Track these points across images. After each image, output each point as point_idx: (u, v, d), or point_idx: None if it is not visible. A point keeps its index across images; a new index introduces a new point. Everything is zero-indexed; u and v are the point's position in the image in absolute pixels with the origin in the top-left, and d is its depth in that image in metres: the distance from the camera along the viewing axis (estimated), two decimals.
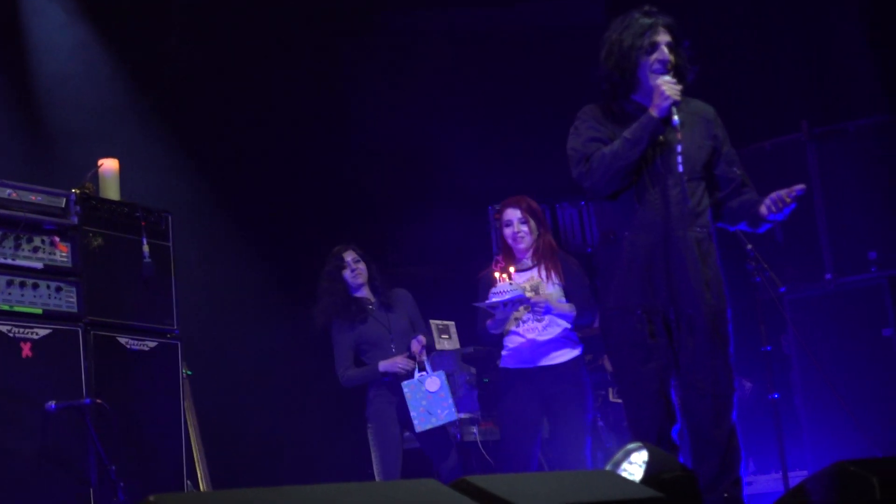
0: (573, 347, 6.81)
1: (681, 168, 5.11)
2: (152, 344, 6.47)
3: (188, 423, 6.94)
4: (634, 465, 4.51)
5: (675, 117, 5.08)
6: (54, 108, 8.35)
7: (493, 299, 6.56)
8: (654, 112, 5.11)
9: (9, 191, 5.92)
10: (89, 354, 6.08)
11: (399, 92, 10.29)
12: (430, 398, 7.22)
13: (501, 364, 6.95)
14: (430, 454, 7.48)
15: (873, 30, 8.79)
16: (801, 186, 5.11)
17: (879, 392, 8.01)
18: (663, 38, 5.20)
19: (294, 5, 9.74)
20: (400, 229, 10.03)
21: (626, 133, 5.16)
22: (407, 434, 7.53)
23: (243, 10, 9.34)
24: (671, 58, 5.19)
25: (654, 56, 5.18)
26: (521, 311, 6.74)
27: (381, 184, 10.20)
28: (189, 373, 7.04)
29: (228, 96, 9.24)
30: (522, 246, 6.93)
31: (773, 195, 5.15)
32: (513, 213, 6.96)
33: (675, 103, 5.08)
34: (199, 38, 9.14)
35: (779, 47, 9.44)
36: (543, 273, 6.87)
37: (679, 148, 5.12)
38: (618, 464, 4.61)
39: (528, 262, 6.96)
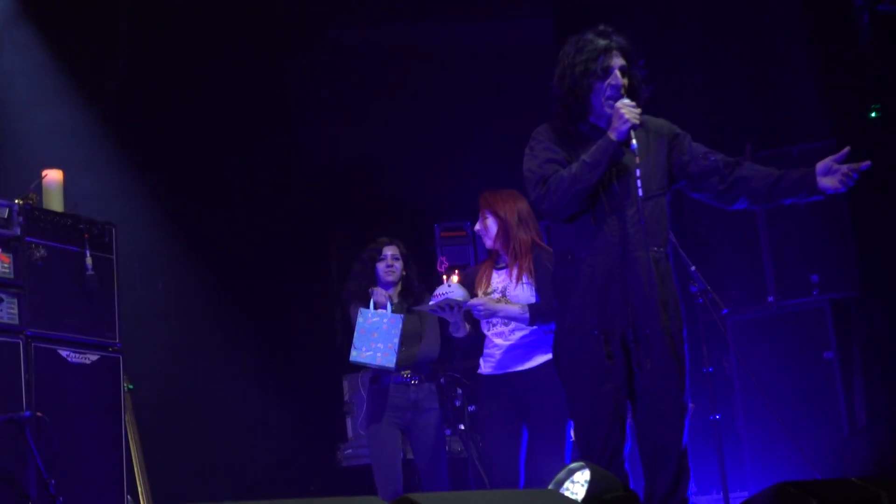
0: (546, 351, 6.37)
1: (640, 192, 5.07)
2: (94, 357, 6.42)
3: (129, 437, 6.88)
4: (577, 485, 4.52)
5: (634, 141, 5.06)
6: None
7: (431, 302, 6.46)
8: (612, 135, 5.09)
9: None
10: (30, 367, 6.04)
11: (345, 109, 10.28)
12: (379, 335, 7.02)
13: (478, 370, 6.72)
14: (419, 468, 7.30)
15: (818, 54, 8.87)
16: (867, 162, 5.05)
17: (820, 414, 8.07)
18: (617, 61, 5.18)
19: (241, 22, 9.72)
20: (345, 246, 10.01)
21: (585, 156, 5.13)
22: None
23: (190, 25, 9.31)
24: (624, 81, 5.18)
25: (608, 81, 5.16)
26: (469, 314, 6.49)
27: (327, 200, 10.18)
28: (130, 387, 7.00)
29: (174, 110, 9.20)
30: (489, 244, 6.68)
31: (844, 168, 5.05)
32: (481, 212, 6.72)
33: (634, 126, 5.06)
34: (145, 52, 9.11)
35: (723, 70, 9.49)
36: (515, 273, 6.58)
37: (638, 172, 5.08)
38: (560, 483, 4.61)
39: (503, 262, 6.67)
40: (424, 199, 9.90)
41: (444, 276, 6.58)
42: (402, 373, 7.20)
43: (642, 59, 5.30)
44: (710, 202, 5.40)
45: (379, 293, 7.25)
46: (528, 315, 6.43)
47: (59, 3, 8.59)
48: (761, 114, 9.30)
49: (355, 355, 7.07)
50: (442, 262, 6.84)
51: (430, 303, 6.45)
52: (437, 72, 10.51)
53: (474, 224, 6.82)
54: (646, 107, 5.28)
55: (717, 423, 6.91)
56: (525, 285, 6.55)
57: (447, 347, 7.41)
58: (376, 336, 7.06)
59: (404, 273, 7.46)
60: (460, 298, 6.41)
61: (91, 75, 8.79)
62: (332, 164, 10.30)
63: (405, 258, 7.48)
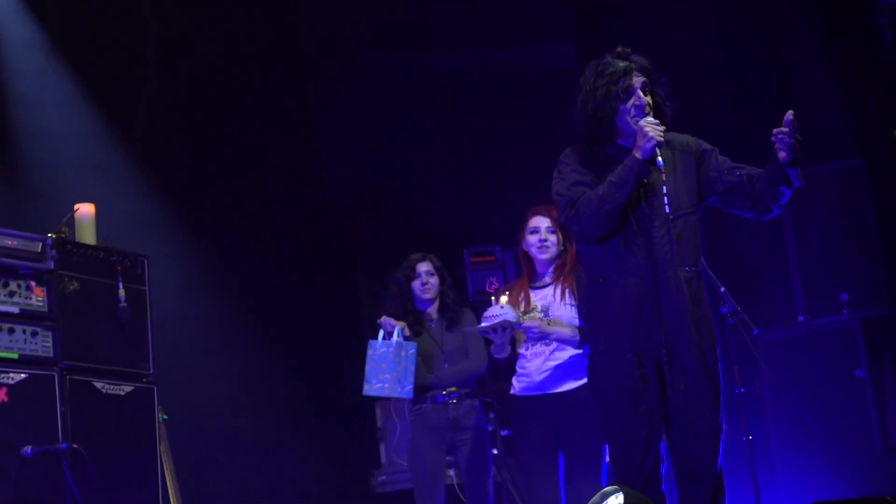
0: (583, 374, 6.16)
1: (667, 209, 5.09)
2: (128, 388, 6.46)
3: (164, 467, 6.91)
4: None
5: (659, 158, 5.06)
6: (32, 152, 8.37)
7: (483, 324, 6.34)
8: (637, 154, 5.08)
9: None
10: (65, 399, 6.07)
11: (372, 135, 10.31)
12: (387, 366, 6.99)
13: (512, 391, 6.66)
14: (466, 486, 7.21)
15: (841, 72, 8.87)
16: (787, 115, 5.03)
17: (852, 433, 8.04)
18: (638, 81, 5.19)
19: (267, 51, 9.79)
20: (375, 273, 10.04)
21: (612, 176, 5.12)
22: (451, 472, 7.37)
23: (217, 55, 9.39)
24: (648, 100, 5.19)
25: (632, 102, 5.17)
26: (522, 334, 6.48)
27: (355, 227, 10.22)
28: (165, 417, 7.02)
29: (203, 141, 9.27)
30: (545, 256, 6.62)
31: (772, 139, 5.04)
32: (541, 221, 6.65)
33: (659, 144, 5.06)
34: (173, 83, 9.19)
35: (745, 90, 9.50)
36: (558, 292, 6.56)
37: (664, 189, 5.09)
38: None
39: (548, 279, 6.66)
40: (453, 224, 9.91)
41: (494, 297, 6.48)
42: (443, 391, 7.13)
43: (664, 77, 5.31)
44: (744, 216, 5.36)
45: (387, 322, 7.16)
46: (578, 338, 6.44)
47: (89, 38, 8.68)
48: None
49: (367, 389, 7.08)
50: (492, 283, 6.75)
51: (483, 324, 6.36)
52: (463, 97, 10.54)
53: (503, 249, 6.82)
54: (669, 126, 5.29)
55: (750, 443, 6.91)
56: (568, 305, 6.55)
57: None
58: (384, 367, 7.04)
59: (441, 288, 7.38)
60: (513, 320, 6.35)
61: (122, 108, 8.87)
62: (361, 190, 10.33)
63: (440, 272, 7.39)
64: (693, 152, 5.30)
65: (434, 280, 7.35)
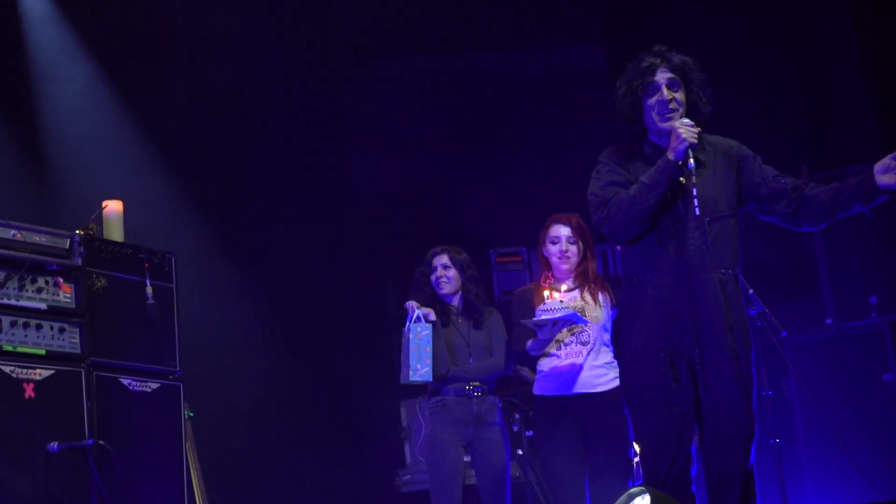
0: (614, 376, 6.42)
1: (697, 212, 5.06)
2: (154, 385, 6.46)
3: (190, 464, 6.93)
4: None
5: (691, 160, 5.03)
6: (59, 149, 8.42)
7: (543, 316, 6.22)
8: (670, 155, 5.06)
9: (13, 231, 5.93)
10: (91, 395, 6.08)
11: (400, 138, 10.32)
12: (419, 349, 6.90)
13: (536, 391, 6.64)
14: (481, 487, 7.13)
15: (872, 74, 8.83)
16: None
17: (881, 437, 8.00)
18: (662, 76, 5.17)
19: (295, 53, 9.82)
20: (401, 273, 10.04)
21: (644, 177, 5.12)
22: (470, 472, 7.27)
23: (246, 56, 9.41)
24: (670, 96, 5.15)
25: (655, 98, 5.17)
26: (565, 334, 6.46)
27: (382, 228, 10.22)
28: (191, 414, 7.03)
29: (231, 139, 9.29)
30: (566, 267, 6.62)
31: (885, 162, 5.01)
32: (561, 230, 6.62)
33: (692, 146, 5.03)
34: (202, 82, 9.21)
35: (778, 92, 9.47)
36: (588, 296, 6.55)
37: (694, 191, 5.07)
38: None
39: (571, 284, 6.64)
40: (480, 225, 9.90)
41: (549, 291, 6.39)
42: (467, 385, 7.09)
43: (705, 76, 5.25)
44: (781, 224, 5.35)
45: (409, 306, 7.09)
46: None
47: (118, 38, 8.71)
48: (817, 135, 9.26)
49: (411, 375, 6.94)
50: (546, 278, 6.63)
51: (543, 316, 6.22)
52: (491, 99, 10.54)
53: (530, 249, 6.79)
54: (709, 128, 5.26)
55: (777, 446, 6.88)
56: (602, 307, 6.55)
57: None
58: (426, 350, 6.95)
59: (461, 282, 7.29)
60: (579, 313, 6.34)
61: (149, 105, 8.90)
62: (390, 191, 10.34)
63: (460, 265, 7.30)
64: (734, 156, 5.28)
65: (451, 273, 7.27)
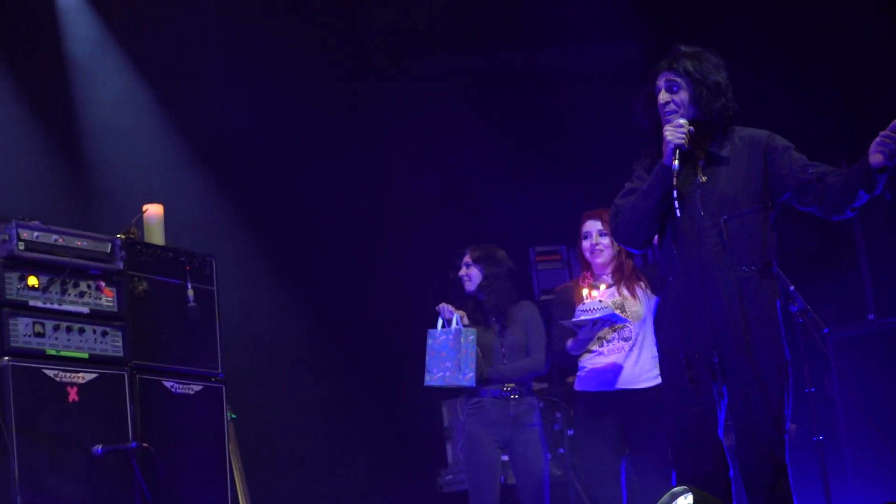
0: (656, 374, 6.23)
1: (701, 212, 5.04)
2: (197, 388, 6.50)
3: (233, 466, 6.95)
4: None
5: (676, 162, 4.97)
6: (100, 154, 8.46)
7: (582, 317, 6.24)
8: (665, 159, 5.04)
9: (55, 236, 5.97)
10: (135, 398, 6.12)
11: (435, 136, 10.32)
12: (447, 354, 6.90)
13: (577, 387, 6.62)
14: (519, 488, 7.13)
15: None
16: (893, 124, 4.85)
17: None
18: (662, 79, 5.12)
19: (329, 53, 9.84)
20: (441, 272, 10.04)
21: (643, 183, 5.15)
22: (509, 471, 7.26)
23: (281, 57, 9.43)
24: (667, 98, 5.09)
25: (660, 101, 5.14)
26: (607, 332, 6.46)
27: (422, 227, 10.22)
28: (233, 416, 7.06)
29: (269, 141, 9.32)
30: (600, 261, 6.62)
31: (876, 140, 4.89)
32: (592, 225, 6.65)
33: (680, 147, 4.97)
34: (240, 85, 9.24)
35: (814, 87, 9.42)
36: (626, 291, 6.54)
37: (698, 193, 5.05)
38: None
39: (609, 280, 6.63)
40: (519, 223, 9.89)
41: (588, 290, 6.40)
42: (504, 386, 7.08)
43: (711, 62, 5.13)
44: (817, 214, 5.20)
45: (445, 309, 7.09)
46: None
47: (156, 39, 8.75)
48: (854, 130, 9.20)
49: (428, 379, 6.99)
50: (585, 278, 6.63)
51: (583, 317, 6.24)
52: (529, 95, 10.53)
53: (569, 247, 6.78)
54: (720, 125, 5.17)
55: (821, 443, 6.85)
56: (641, 301, 6.53)
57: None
58: (444, 355, 6.95)
59: (484, 279, 7.23)
60: (617, 313, 6.34)
61: (189, 108, 8.94)
62: (427, 190, 10.33)
63: (481, 262, 7.25)
64: (763, 148, 5.17)
65: (472, 272, 7.25)
